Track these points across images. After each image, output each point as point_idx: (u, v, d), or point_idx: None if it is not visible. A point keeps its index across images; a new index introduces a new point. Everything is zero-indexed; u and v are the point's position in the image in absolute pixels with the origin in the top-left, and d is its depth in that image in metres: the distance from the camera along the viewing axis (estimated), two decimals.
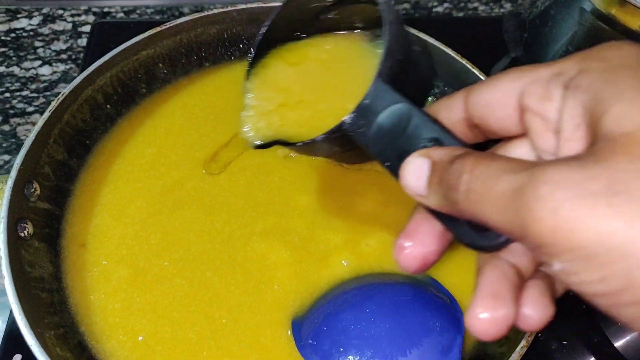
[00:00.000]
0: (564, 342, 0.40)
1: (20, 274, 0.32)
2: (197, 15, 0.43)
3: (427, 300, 0.33)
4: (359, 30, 0.36)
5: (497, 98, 0.22)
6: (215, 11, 0.44)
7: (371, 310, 0.32)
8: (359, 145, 0.26)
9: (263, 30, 0.34)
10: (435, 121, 0.24)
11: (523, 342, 0.30)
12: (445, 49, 0.43)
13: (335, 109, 0.32)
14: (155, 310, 0.34)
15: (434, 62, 0.37)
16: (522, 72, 0.21)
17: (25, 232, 0.34)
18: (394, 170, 0.24)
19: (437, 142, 0.23)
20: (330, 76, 0.34)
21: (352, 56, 0.35)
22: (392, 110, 0.25)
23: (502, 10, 0.71)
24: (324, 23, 0.36)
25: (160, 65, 0.44)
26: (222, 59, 0.47)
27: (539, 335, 0.40)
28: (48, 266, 0.35)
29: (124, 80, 0.43)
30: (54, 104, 0.38)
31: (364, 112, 0.26)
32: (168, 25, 0.42)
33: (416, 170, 0.21)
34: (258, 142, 0.33)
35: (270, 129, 0.32)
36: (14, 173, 0.34)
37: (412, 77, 0.31)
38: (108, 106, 0.42)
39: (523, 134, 0.22)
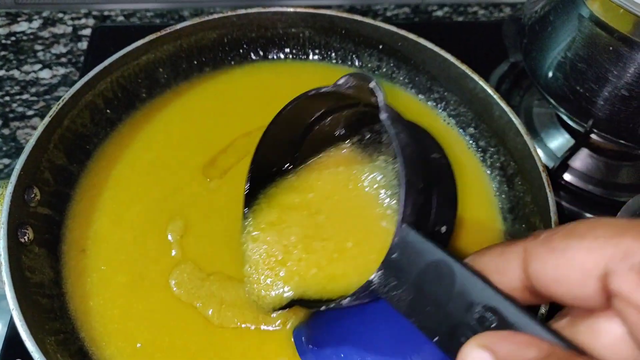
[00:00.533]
0: None
1: (20, 280, 0.32)
2: (197, 20, 0.43)
3: None
4: (347, 143, 0.35)
5: (570, 276, 0.17)
6: (216, 16, 0.44)
7: (373, 316, 0.32)
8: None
9: (252, 164, 0.34)
10: (486, 281, 0.19)
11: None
12: (444, 54, 0.43)
13: (343, 254, 0.31)
14: (153, 317, 0.34)
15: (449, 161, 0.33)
16: (601, 241, 0.16)
17: (26, 237, 0.34)
18: (447, 348, 0.20)
19: (495, 314, 0.18)
20: (330, 215, 0.33)
21: (346, 181, 0.33)
22: (429, 267, 0.21)
23: (501, 14, 0.72)
24: (311, 141, 0.35)
25: (161, 70, 0.44)
26: (222, 63, 0.47)
27: None
28: (48, 272, 0.35)
29: (125, 85, 0.43)
30: (54, 109, 0.38)
31: (392, 268, 0.22)
32: (168, 30, 0.43)
33: None
34: (274, 307, 0.32)
35: (281, 285, 0.32)
36: (14, 178, 0.34)
37: (438, 197, 0.28)
38: (108, 111, 0.42)
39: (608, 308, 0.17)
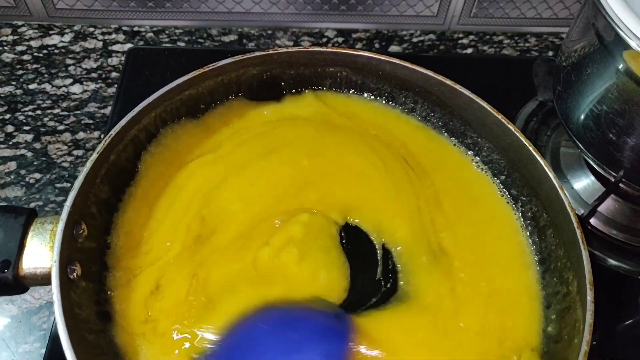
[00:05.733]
0: None
1: (71, 317, 0.33)
2: (239, 57, 0.44)
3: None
4: None
5: None
6: (257, 54, 0.45)
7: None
8: None
9: None
10: None
11: None
12: (480, 102, 0.44)
13: None
14: None
15: None
16: None
17: (75, 274, 0.35)
18: None
19: None
20: None
21: None
22: None
23: (527, 44, 0.72)
24: None
25: (202, 105, 0.45)
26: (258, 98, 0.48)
27: None
28: (93, 306, 0.36)
29: (166, 119, 0.44)
30: (101, 145, 0.39)
31: None
32: (212, 66, 0.43)
33: None
34: None
35: None
36: (64, 215, 0.35)
37: None
38: (149, 145, 0.43)
39: None
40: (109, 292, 0.38)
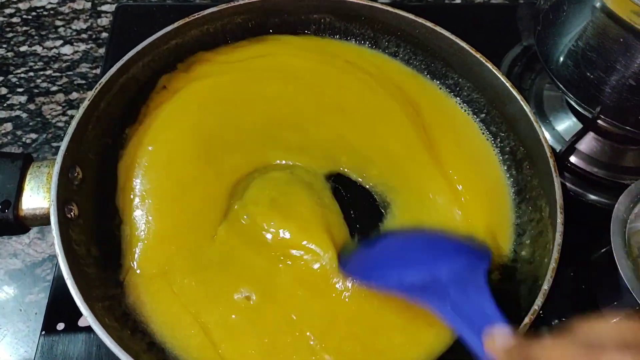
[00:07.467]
0: (563, 319, 0.43)
1: (70, 253, 0.35)
2: (223, 5, 0.45)
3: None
4: None
5: None
6: (241, 2, 0.45)
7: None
8: None
9: None
10: None
11: (526, 320, 0.33)
12: (460, 42, 0.45)
13: None
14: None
15: None
16: None
17: (72, 213, 0.37)
18: None
19: None
20: None
21: None
22: None
23: None
24: None
25: (189, 55, 0.46)
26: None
27: (540, 312, 0.44)
28: (92, 243, 0.38)
29: (155, 68, 0.45)
30: (92, 93, 0.40)
31: None
32: (196, 15, 0.44)
33: None
34: None
35: None
36: (59, 159, 0.37)
37: None
38: (139, 93, 0.45)
39: None
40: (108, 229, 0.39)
